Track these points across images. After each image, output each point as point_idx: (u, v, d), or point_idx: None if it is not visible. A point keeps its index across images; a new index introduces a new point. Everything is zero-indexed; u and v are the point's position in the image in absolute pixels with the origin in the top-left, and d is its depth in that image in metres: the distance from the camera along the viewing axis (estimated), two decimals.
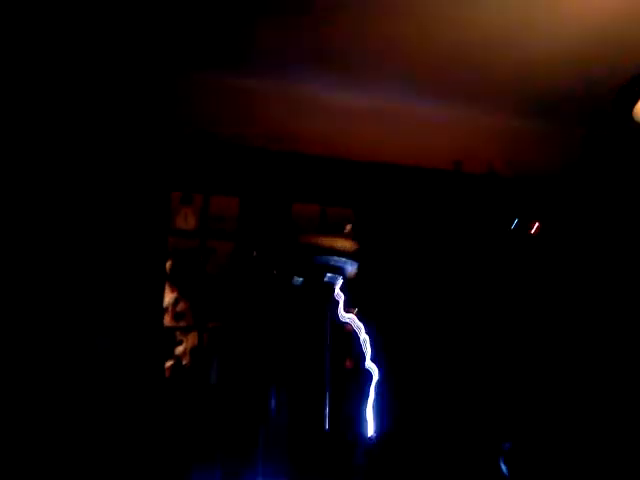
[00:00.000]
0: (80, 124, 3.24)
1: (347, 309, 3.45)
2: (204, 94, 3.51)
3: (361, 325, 3.20)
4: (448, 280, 3.66)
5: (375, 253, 3.50)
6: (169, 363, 3.50)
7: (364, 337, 3.13)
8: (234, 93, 3.56)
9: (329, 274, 2.62)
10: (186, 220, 3.59)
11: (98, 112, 3.28)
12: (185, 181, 3.55)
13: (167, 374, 3.42)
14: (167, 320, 3.62)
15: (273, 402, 3.15)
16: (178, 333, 3.77)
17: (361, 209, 3.70)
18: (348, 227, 3.80)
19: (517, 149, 4.00)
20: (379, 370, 3.10)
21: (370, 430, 2.80)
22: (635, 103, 2.68)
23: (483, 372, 3.55)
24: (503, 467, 2.30)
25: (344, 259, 2.60)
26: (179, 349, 3.74)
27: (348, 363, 3.49)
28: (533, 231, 3.81)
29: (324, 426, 2.41)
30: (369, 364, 3.12)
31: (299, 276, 2.44)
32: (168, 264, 3.67)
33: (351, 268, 3.03)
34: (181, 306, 3.88)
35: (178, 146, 3.43)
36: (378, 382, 3.09)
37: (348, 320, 3.22)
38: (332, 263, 2.35)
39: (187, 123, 3.46)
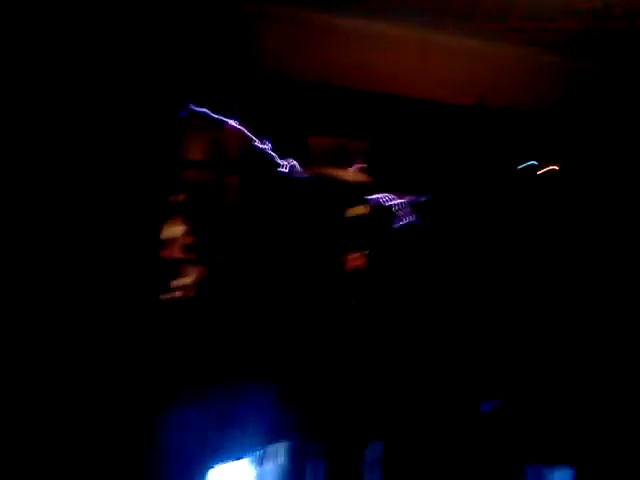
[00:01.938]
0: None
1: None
2: None
3: None
4: (461, 215, 3.51)
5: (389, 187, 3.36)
6: (174, 294, 3.47)
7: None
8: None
9: None
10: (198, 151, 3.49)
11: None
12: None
13: (171, 305, 3.38)
14: (175, 252, 3.57)
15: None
16: (185, 265, 3.74)
17: (378, 143, 3.53)
18: (360, 161, 3.64)
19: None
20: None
21: None
22: None
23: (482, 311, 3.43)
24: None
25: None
26: (185, 281, 3.71)
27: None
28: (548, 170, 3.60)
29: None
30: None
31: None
32: (182, 197, 3.61)
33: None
34: (190, 239, 3.83)
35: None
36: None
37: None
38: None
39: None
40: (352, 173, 2.29)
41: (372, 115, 3.50)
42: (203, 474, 2.32)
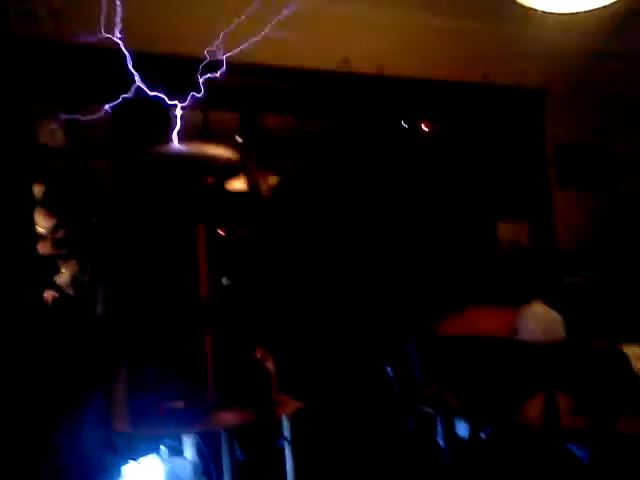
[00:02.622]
0: None
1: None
2: None
3: None
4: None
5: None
6: (50, 293, 3.24)
7: None
8: None
9: None
10: (53, 137, 3.21)
11: None
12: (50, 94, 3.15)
13: (49, 304, 3.15)
14: (47, 248, 3.33)
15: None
16: (59, 262, 3.50)
17: (246, 114, 3.48)
18: (237, 137, 3.58)
19: None
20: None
21: None
22: None
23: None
24: (389, 370, 2.31)
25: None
26: (61, 278, 3.48)
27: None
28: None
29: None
30: None
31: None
32: (40, 188, 3.32)
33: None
34: (61, 233, 3.58)
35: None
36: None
37: None
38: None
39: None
40: (223, 149, 2.22)
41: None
42: (111, 474, 2.23)
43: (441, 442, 2.21)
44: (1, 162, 2.96)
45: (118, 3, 2.84)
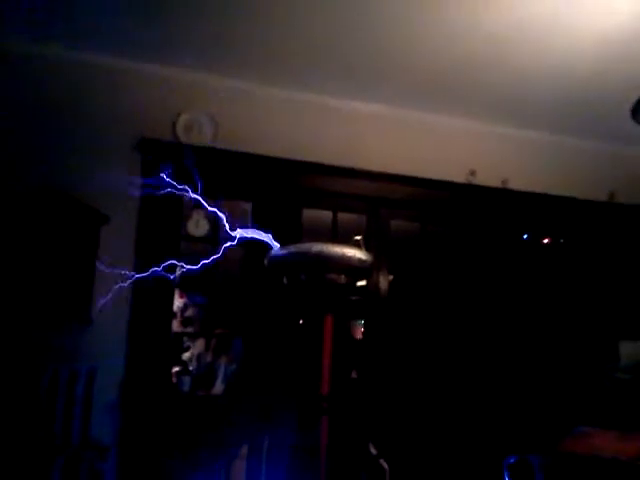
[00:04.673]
0: None
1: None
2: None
3: None
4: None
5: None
6: (176, 369, 3.49)
7: None
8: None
9: None
10: (197, 225, 3.57)
11: None
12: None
13: (173, 379, 3.38)
14: (175, 326, 3.60)
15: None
16: (185, 339, 3.77)
17: (373, 218, 3.68)
18: (359, 237, 3.78)
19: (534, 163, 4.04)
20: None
21: None
22: None
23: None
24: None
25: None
26: (186, 355, 3.73)
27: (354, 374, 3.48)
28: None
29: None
30: None
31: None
32: (178, 270, 3.66)
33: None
34: (189, 312, 3.87)
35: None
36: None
37: None
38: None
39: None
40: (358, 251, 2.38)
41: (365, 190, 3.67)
42: None
43: None
44: (152, 247, 3.36)
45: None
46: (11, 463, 2.63)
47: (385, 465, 2.02)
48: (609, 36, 3.03)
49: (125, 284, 3.28)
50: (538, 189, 3.92)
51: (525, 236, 3.93)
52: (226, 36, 3.21)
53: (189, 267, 2.55)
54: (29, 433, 2.72)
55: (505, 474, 2.25)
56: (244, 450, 2.21)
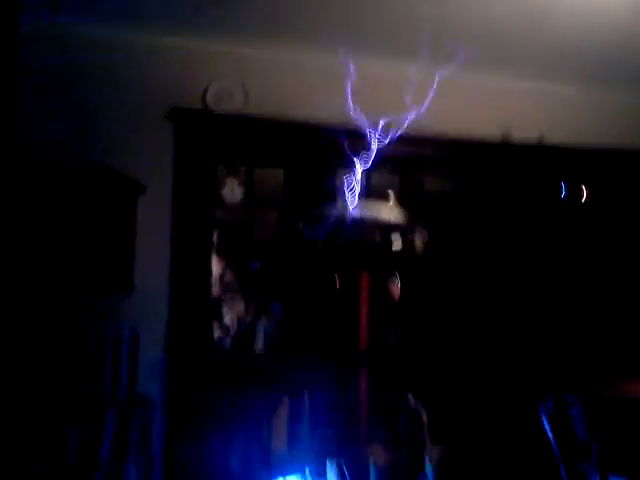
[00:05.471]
0: None
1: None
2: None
3: None
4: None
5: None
6: (216, 330, 3.60)
7: None
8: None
9: None
10: (232, 192, 3.64)
11: None
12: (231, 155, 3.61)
13: (215, 340, 3.50)
14: (215, 290, 3.71)
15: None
16: (225, 301, 3.87)
17: (407, 178, 3.70)
18: (392, 195, 3.80)
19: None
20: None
21: None
22: None
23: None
24: (545, 422, 2.30)
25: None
26: (226, 317, 3.84)
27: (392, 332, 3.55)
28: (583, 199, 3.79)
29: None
30: None
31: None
32: (215, 236, 3.75)
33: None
34: (228, 276, 3.97)
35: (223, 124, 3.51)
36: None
37: None
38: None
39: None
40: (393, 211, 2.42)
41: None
42: None
43: None
44: (189, 214, 3.45)
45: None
46: (66, 416, 2.80)
47: (424, 416, 2.10)
48: None
49: (164, 250, 3.42)
50: (575, 144, 3.84)
51: (563, 194, 3.89)
52: (256, 3, 3.22)
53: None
54: (82, 389, 2.88)
55: (543, 415, 2.30)
56: (285, 402, 2.30)
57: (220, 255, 3.93)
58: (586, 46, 3.55)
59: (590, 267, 3.85)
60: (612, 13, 3.20)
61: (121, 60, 3.45)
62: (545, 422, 2.29)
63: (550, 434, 2.28)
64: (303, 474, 2.38)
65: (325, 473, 2.34)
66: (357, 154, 3.61)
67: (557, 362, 3.53)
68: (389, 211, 2.34)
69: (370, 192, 3.67)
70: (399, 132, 3.60)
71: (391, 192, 3.75)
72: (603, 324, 3.75)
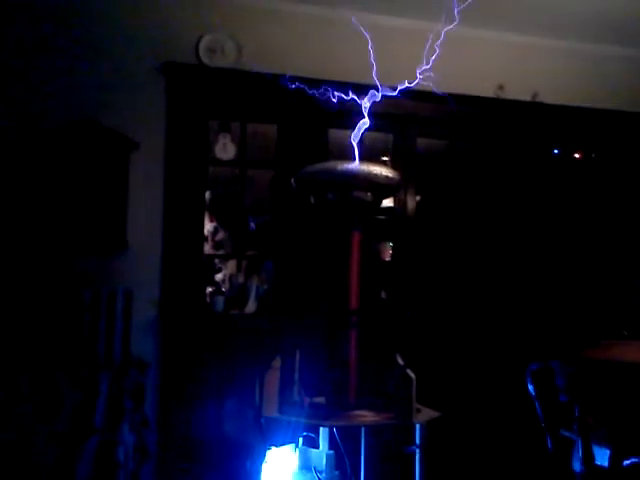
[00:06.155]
0: None
1: None
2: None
3: None
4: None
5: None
6: (209, 289, 3.61)
7: None
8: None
9: None
10: (225, 148, 3.59)
11: None
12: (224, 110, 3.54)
13: (207, 299, 3.51)
14: (207, 248, 3.70)
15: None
16: (217, 261, 3.87)
17: (399, 137, 3.65)
18: (386, 158, 3.76)
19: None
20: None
21: None
22: None
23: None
24: (530, 387, 2.32)
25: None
26: (218, 276, 3.85)
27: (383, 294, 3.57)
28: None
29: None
30: None
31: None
32: (207, 194, 3.72)
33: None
34: (220, 235, 3.96)
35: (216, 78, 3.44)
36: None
37: None
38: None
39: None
40: (385, 169, 2.39)
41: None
42: (257, 455, 2.43)
43: (577, 467, 2.20)
44: (181, 171, 3.41)
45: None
46: (60, 379, 2.81)
47: (411, 374, 2.10)
48: None
49: (157, 208, 3.39)
50: (570, 102, 3.80)
51: (556, 151, 3.85)
52: None
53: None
54: (76, 349, 2.89)
55: (528, 380, 2.32)
56: (277, 362, 2.31)
57: (212, 214, 3.91)
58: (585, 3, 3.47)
59: (578, 226, 3.84)
60: None
61: (109, 11, 3.36)
62: (530, 387, 2.31)
63: (535, 400, 2.31)
64: (296, 443, 2.40)
65: (318, 443, 2.37)
66: (352, 111, 3.58)
67: (543, 324, 3.56)
68: (382, 170, 2.30)
69: (364, 150, 3.64)
70: (395, 89, 3.57)
71: (387, 158, 3.75)
72: (588, 286, 3.76)
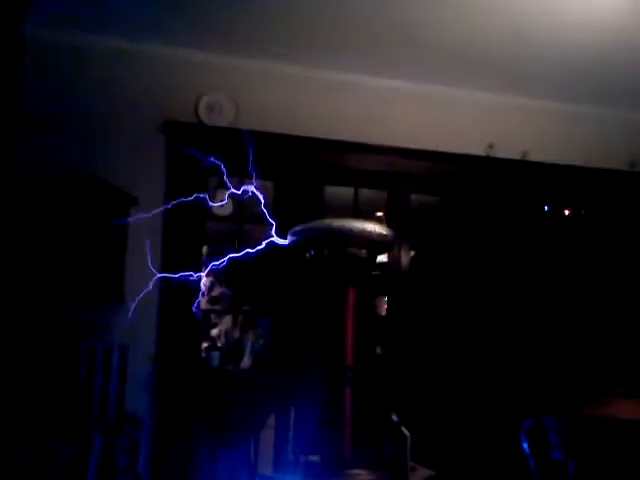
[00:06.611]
0: None
1: None
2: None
3: None
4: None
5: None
6: (205, 345, 3.60)
7: None
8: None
9: None
10: (222, 205, 3.63)
11: None
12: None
13: (203, 355, 3.50)
14: (203, 303, 3.71)
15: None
16: (213, 316, 3.87)
17: (394, 194, 3.73)
18: (380, 214, 3.83)
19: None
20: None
21: None
22: None
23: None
24: (524, 445, 2.30)
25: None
26: (214, 331, 3.84)
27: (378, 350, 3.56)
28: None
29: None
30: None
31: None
32: (205, 249, 3.76)
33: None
34: (216, 291, 3.97)
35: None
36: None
37: None
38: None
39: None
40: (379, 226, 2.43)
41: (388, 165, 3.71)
42: None
43: None
44: (180, 226, 3.46)
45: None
46: (52, 439, 2.77)
47: (406, 432, 2.09)
48: (624, 9, 3.00)
49: (155, 262, 3.42)
50: (558, 160, 3.91)
51: (546, 208, 3.93)
52: (245, 17, 3.25)
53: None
54: (69, 408, 2.86)
55: (522, 438, 2.31)
56: (272, 420, 2.29)
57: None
58: (570, 66, 3.61)
59: (571, 283, 3.88)
60: (594, 30, 3.25)
61: (112, 70, 3.50)
62: (524, 445, 2.29)
63: (529, 457, 2.29)
64: None
65: None
66: (345, 168, 3.68)
67: (539, 381, 3.55)
68: (376, 227, 2.34)
69: (360, 206, 3.72)
70: (389, 148, 3.68)
71: (381, 214, 3.82)
72: (582, 344, 3.77)
